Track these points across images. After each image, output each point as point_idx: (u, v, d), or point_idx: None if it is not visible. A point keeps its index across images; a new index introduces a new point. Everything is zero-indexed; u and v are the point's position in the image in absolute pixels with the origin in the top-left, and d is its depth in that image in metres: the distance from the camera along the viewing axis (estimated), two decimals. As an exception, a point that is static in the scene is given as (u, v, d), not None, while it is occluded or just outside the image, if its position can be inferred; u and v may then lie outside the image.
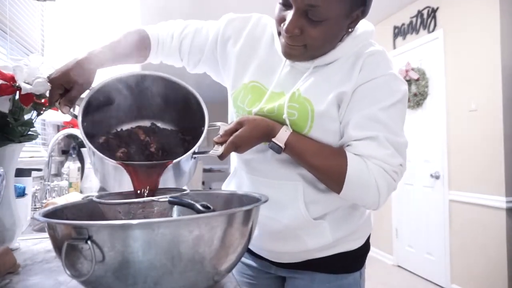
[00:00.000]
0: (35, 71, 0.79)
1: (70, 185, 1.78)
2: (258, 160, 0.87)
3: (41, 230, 1.26)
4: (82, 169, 1.93)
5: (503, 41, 2.66)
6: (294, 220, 0.84)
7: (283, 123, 0.81)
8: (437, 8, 3.25)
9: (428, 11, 3.33)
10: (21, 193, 0.98)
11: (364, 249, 0.94)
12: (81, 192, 1.84)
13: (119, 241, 0.48)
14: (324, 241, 0.85)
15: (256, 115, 0.83)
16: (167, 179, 0.77)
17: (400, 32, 3.71)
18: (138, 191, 0.73)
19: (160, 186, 0.75)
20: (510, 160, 2.65)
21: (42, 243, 0.97)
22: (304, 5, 0.72)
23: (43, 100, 0.86)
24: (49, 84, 0.77)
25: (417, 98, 3.45)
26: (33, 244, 0.96)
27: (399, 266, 3.79)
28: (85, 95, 0.79)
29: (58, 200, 1.37)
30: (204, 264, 0.52)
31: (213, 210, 0.60)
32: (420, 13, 3.43)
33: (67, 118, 1.90)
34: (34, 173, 1.17)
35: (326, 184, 0.81)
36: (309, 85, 0.82)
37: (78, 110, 0.77)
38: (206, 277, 0.54)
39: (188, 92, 0.82)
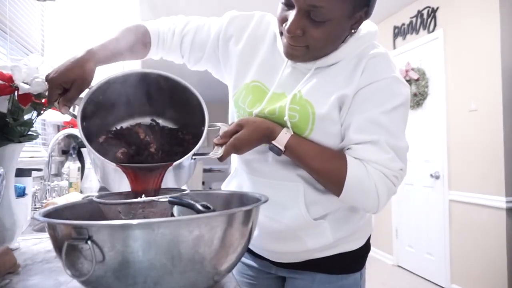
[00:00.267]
0: (34, 71, 0.79)
1: (70, 185, 1.78)
2: (259, 160, 0.87)
3: (41, 230, 1.26)
4: (82, 169, 1.93)
5: (503, 41, 2.66)
6: (294, 221, 0.83)
7: (283, 125, 0.80)
8: (437, 8, 3.25)
9: (428, 11, 3.33)
10: (21, 193, 0.98)
11: (365, 249, 0.94)
12: (81, 192, 1.84)
13: (119, 241, 0.48)
14: (325, 241, 0.85)
15: (257, 116, 0.83)
16: (166, 179, 0.77)
17: (400, 32, 3.71)
18: (138, 193, 0.73)
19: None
20: (510, 160, 2.65)
21: (42, 243, 0.97)
22: (306, 6, 0.71)
23: (43, 100, 0.87)
24: (46, 83, 0.75)
25: (417, 98, 3.45)
26: (33, 244, 0.96)
27: (399, 266, 3.79)
28: (84, 94, 0.78)
29: (58, 200, 1.37)
30: (204, 264, 0.52)
31: (213, 210, 0.59)
32: (420, 13, 3.43)
33: (67, 118, 1.90)
34: (34, 173, 1.17)
35: (325, 187, 0.81)
36: (311, 87, 0.81)
37: (77, 110, 0.76)
38: (206, 277, 0.54)
39: (188, 91, 0.81)
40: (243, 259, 1.02)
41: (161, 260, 0.49)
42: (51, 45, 2.01)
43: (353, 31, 0.80)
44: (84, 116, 0.76)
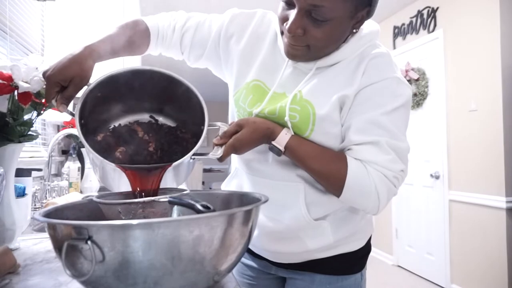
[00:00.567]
0: (33, 70, 0.79)
1: (70, 185, 1.78)
2: (259, 160, 0.86)
3: (41, 230, 1.26)
4: (82, 169, 1.93)
5: (503, 41, 2.66)
6: (295, 221, 0.83)
7: (284, 125, 0.80)
8: (437, 8, 3.25)
9: (428, 11, 3.33)
10: (21, 193, 0.98)
11: (365, 250, 0.93)
12: (81, 192, 1.84)
13: (119, 241, 0.48)
14: (325, 242, 0.85)
15: (257, 116, 0.82)
16: (165, 177, 0.77)
17: (400, 32, 3.71)
18: (137, 194, 0.73)
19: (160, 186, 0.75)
20: (510, 160, 2.65)
21: (42, 243, 0.97)
22: (307, 5, 0.71)
23: (43, 100, 0.86)
24: (43, 81, 0.74)
25: (417, 98, 3.45)
26: (33, 244, 0.96)
27: (399, 266, 3.79)
28: (82, 91, 0.76)
29: (58, 200, 1.37)
30: (204, 264, 0.52)
31: (213, 210, 0.59)
32: (420, 13, 3.43)
33: (67, 118, 1.90)
34: (34, 173, 1.17)
35: (325, 187, 0.81)
36: (312, 87, 0.80)
37: (75, 108, 0.74)
38: (206, 277, 0.54)
39: (188, 89, 0.80)
40: (243, 260, 1.02)
41: (161, 260, 0.49)
42: (51, 45, 2.01)
43: (354, 30, 0.79)
44: (82, 114, 0.74)
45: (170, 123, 0.86)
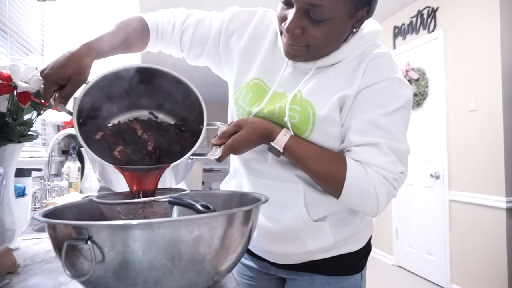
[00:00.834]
0: (32, 70, 0.79)
1: (70, 185, 1.78)
2: (258, 160, 0.86)
3: (41, 230, 1.26)
4: (82, 169, 1.93)
5: (503, 41, 2.66)
6: (294, 222, 0.82)
7: (283, 125, 0.79)
8: (437, 8, 3.25)
9: (428, 11, 3.33)
10: (21, 193, 0.98)
11: (365, 250, 0.93)
12: (81, 192, 1.84)
13: (119, 241, 0.48)
14: (325, 243, 0.84)
15: (256, 116, 0.82)
16: (163, 176, 0.76)
17: (400, 32, 3.71)
18: (136, 194, 0.73)
19: (159, 186, 0.75)
20: (510, 160, 2.65)
21: (42, 243, 0.97)
22: (305, 4, 0.70)
23: (43, 100, 0.86)
24: (41, 80, 0.73)
25: (417, 98, 3.45)
26: (33, 244, 0.96)
27: (399, 266, 3.79)
28: (80, 90, 0.75)
29: (58, 200, 1.37)
30: (204, 264, 0.52)
31: (213, 210, 0.59)
32: (420, 13, 3.43)
33: (67, 118, 1.90)
34: (34, 173, 1.17)
35: (324, 189, 0.80)
36: (311, 87, 0.80)
37: (73, 107, 0.73)
38: (206, 277, 0.54)
39: (188, 88, 0.80)
40: (243, 260, 1.01)
41: (161, 260, 0.49)
42: (51, 45, 2.01)
43: (354, 30, 0.79)
44: (80, 113, 0.73)
45: (169, 119, 0.85)
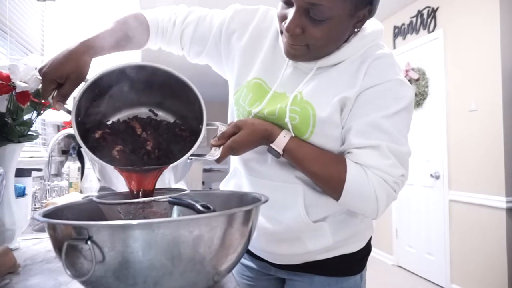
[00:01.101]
0: (32, 70, 0.79)
1: (70, 185, 1.78)
2: (258, 161, 0.86)
3: (41, 230, 1.26)
4: (82, 169, 1.93)
5: (503, 41, 2.66)
6: (294, 223, 0.82)
7: (283, 127, 0.79)
8: (437, 8, 3.25)
9: (428, 11, 3.33)
10: (21, 193, 0.98)
11: (365, 251, 0.92)
12: (81, 192, 1.84)
13: (119, 241, 0.48)
14: (325, 243, 0.84)
15: (256, 116, 0.82)
16: (162, 175, 0.76)
17: (400, 32, 3.71)
18: (135, 193, 0.73)
19: (158, 186, 0.75)
20: (510, 160, 2.65)
21: (42, 243, 0.97)
22: (305, 3, 0.69)
23: (42, 100, 0.86)
24: (40, 78, 0.73)
25: (417, 98, 3.45)
26: (33, 244, 0.96)
27: (399, 266, 3.79)
28: (79, 88, 0.74)
29: (58, 200, 1.37)
30: (204, 264, 0.52)
31: (213, 210, 0.59)
32: (420, 13, 3.43)
33: (67, 118, 1.90)
34: (34, 173, 1.17)
35: (324, 190, 0.80)
36: (312, 88, 0.79)
37: (72, 106, 0.72)
38: (206, 277, 0.54)
39: (187, 86, 0.79)
40: (243, 260, 1.01)
41: (161, 260, 0.49)
42: (51, 45, 2.01)
43: (356, 30, 0.78)
44: (79, 112, 0.73)
45: (169, 117, 0.85)
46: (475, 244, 2.88)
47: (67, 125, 1.90)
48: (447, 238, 3.15)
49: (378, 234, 4.01)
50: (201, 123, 0.77)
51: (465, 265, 2.97)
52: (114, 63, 0.77)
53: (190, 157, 0.75)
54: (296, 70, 0.82)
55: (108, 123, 0.81)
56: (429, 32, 3.34)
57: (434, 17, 3.28)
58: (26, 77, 0.79)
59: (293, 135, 0.78)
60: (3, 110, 0.81)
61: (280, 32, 0.80)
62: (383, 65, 0.78)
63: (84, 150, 0.71)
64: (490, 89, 2.74)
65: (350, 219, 0.87)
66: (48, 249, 0.90)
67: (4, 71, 0.79)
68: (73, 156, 1.87)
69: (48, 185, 1.55)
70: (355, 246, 0.89)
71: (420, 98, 3.43)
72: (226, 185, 0.98)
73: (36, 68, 0.79)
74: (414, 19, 3.51)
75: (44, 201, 1.50)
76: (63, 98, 0.72)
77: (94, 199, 0.70)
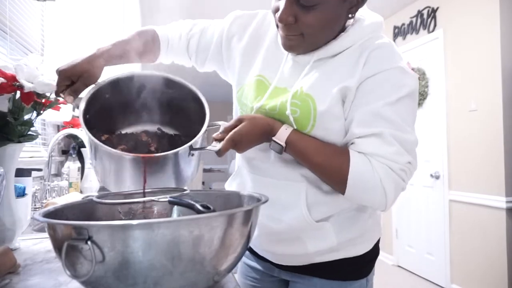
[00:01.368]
0: (34, 70, 0.80)
1: (70, 185, 1.78)
2: (261, 159, 0.86)
3: (41, 230, 1.26)
4: (82, 169, 1.93)
5: (503, 41, 2.66)
6: (295, 222, 0.81)
7: (284, 121, 0.79)
8: (437, 8, 3.25)
9: (428, 11, 3.33)
10: (21, 193, 0.98)
11: (372, 254, 0.89)
12: (81, 192, 1.84)
13: (119, 242, 0.48)
14: (328, 244, 0.82)
15: (258, 112, 0.82)
16: (168, 178, 0.77)
17: (400, 32, 3.71)
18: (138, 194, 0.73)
19: (161, 186, 0.75)
20: (510, 160, 2.65)
21: (42, 243, 0.97)
22: None
23: (43, 100, 0.87)
24: (53, 83, 0.79)
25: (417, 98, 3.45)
26: (33, 244, 0.96)
27: (399, 266, 3.79)
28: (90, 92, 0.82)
29: (58, 200, 1.37)
30: (204, 264, 0.52)
31: (213, 211, 0.60)
32: (420, 13, 3.43)
33: (67, 118, 1.90)
34: (34, 173, 1.17)
35: (329, 184, 0.79)
36: (312, 80, 0.79)
37: (81, 101, 0.80)
38: (206, 277, 0.54)
39: (192, 93, 0.82)
40: (247, 261, 1.01)
41: (161, 261, 0.49)
42: (51, 45, 2.01)
43: (350, 16, 0.77)
44: (88, 110, 0.78)
45: (175, 131, 0.89)
46: (475, 244, 2.88)
47: (67, 125, 1.90)
48: (447, 238, 3.15)
49: (378, 234, 4.00)
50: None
51: (465, 265, 2.98)
52: (124, 71, 0.84)
53: (191, 152, 0.76)
54: (295, 63, 0.83)
55: (117, 133, 0.84)
56: (429, 32, 3.34)
57: (434, 17, 3.28)
58: (30, 77, 0.79)
59: (295, 128, 0.78)
60: (5, 109, 0.81)
61: (276, 26, 0.81)
62: (383, 54, 0.77)
63: (89, 136, 0.73)
64: (490, 89, 2.74)
65: (355, 219, 0.85)
66: (48, 249, 0.90)
67: (7, 71, 0.79)
68: (73, 156, 1.87)
69: (48, 185, 1.55)
70: (360, 249, 0.87)
71: (420, 98, 3.43)
72: (230, 185, 0.98)
73: (37, 68, 0.80)
74: (414, 19, 3.51)
75: (44, 201, 1.50)
76: (74, 93, 0.79)
77: (94, 199, 0.70)
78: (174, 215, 0.76)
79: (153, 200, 0.69)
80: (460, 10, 3.01)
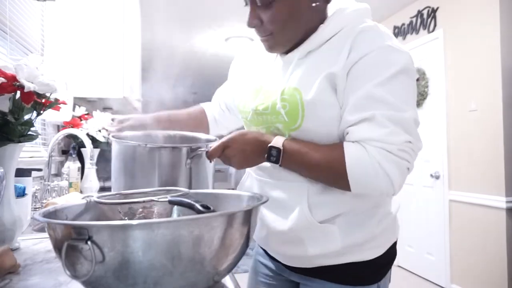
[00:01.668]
0: (34, 70, 0.79)
1: (70, 185, 1.78)
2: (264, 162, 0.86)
3: (41, 230, 1.26)
4: (82, 169, 1.93)
5: (503, 41, 2.66)
6: (298, 223, 0.80)
7: (278, 121, 0.81)
8: (437, 8, 3.25)
9: (428, 11, 3.33)
10: (21, 193, 0.98)
11: (386, 259, 0.86)
12: (81, 192, 1.84)
13: (119, 242, 0.48)
14: (332, 247, 0.80)
15: (253, 113, 0.86)
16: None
17: (400, 32, 3.71)
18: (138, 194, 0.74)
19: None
20: (510, 160, 2.65)
21: (42, 243, 0.97)
22: None
23: (43, 100, 0.87)
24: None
25: (417, 98, 3.45)
26: (33, 244, 0.96)
27: (399, 266, 3.79)
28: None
29: (58, 200, 1.37)
30: (204, 265, 0.52)
31: (213, 211, 0.60)
32: (420, 13, 3.43)
33: (67, 118, 1.90)
34: (34, 173, 1.17)
35: (332, 184, 0.77)
36: (299, 74, 0.79)
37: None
38: (206, 277, 0.54)
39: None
40: (260, 258, 1.01)
41: (161, 261, 0.49)
42: (51, 45, 2.01)
43: (314, 4, 0.77)
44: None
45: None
46: (475, 244, 2.88)
47: (67, 125, 1.90)
48: (447, 238, 3.15)
49: (378, 234, 4.00)
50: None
51: (465, 265, 2.97)
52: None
53: (189, 160, 0.79)
54: (285, 63, 0.84)
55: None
56: (429, 32, 3.34)
57: (434, 17, 3.28)
58: (30, 77, 0.79)
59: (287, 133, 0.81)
60: (6, 109, 0.81)
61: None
62: (368, 36, 0.75)
63: (126, 143, 0.87)
64: (490, 89, 2.74)
65: (364, 222, 0.82)
66: (48, 249, 0.90)
67: (7, 71, 0.79)
68: (73, 156, 1.87)
69: (48, 185, 1.55)
70: (371, 253, 0.83)
71: (420, 98, 3.43)
72: (242, 187, 0.99)
73: (37, 68, 0.80)
74: (414, 19, 3.51)
75: (44, 201, 1.50)
76: (119, 124, 1.03)
77: (94, 199, 0.70)
78: (174, 215, 0.76)
79: (153, 200, 0.69)
80: (460, 10, 3.01)
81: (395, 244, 0.89)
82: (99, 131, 2.07)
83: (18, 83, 0.78)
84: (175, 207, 0.76)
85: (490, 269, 2.73)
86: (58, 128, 2.11)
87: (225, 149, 0.82)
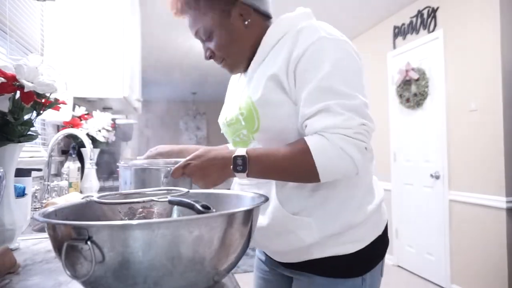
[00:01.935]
0: (34, 70, 0.79)
1: (70, 185, 1.78)
2: None
3: (41, 230, 1.26)
4: (82, 169, 1.93)
5: (503, 41, 2.66)
6: (274, 217, 0.84)
7: (241, 128, 0.88)
8: (437, 8, 3.25)
9: (428, 11, 3.33)
10: (21, 193, 0.98)
11: (371, 253, 0.88)
12: (81, 192, 1.84)
13: (119, 242, 0.48)
14: (310, 240, 0.82)
15: (224, 125, 0.95)
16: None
17: (400, 32, 3.71)
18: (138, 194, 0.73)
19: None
20: (510, 160, 2.65)
21: (42, 243, 0.97)
22: (195, 35, 0.90)
23: (43, 100, 0.87)
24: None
25: (417, 98, 3.45)
26: (33, 244, 0.96)
27: (399, 266, 3.79)
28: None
29: (58, 200, 1.37)
30: (204, 265, 0.52)
31: (213, 211, 0.60)
32: (420, 13, 3.43)
33: (67, 118, 1.90)
34: (34, 173, 1.17)
35: (302, 179, 0.79)
36: (251, 84, 0.87)
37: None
38: (206, 277, 0.54)
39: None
40: (258, 254, 1.07)
41: (161, 261, 0.49)
42: (50, 45, 2.01)
43: (246, 22, 0.87)
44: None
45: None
46: (475, 244, 2.88)
47: (67, 125, 1.90)
48: (447, 238, 3.15)
49: (378, 234, 4.00)
50: None
51: (465, 265, 2.97)
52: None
53: (164, 178, 0.86)
54: (247, 79, 0.91)
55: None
56: (429, 32, 3.34)
57: (434, 17, 3.28)
58: (30, 77, 0.79)
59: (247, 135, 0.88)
60: (5, 109, 0.81)
61: None
62: (305, 33, 0.81)
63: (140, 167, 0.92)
64: (490, 89, 2.74)
65: (340, 213, 0.84)
66: (48, 249, 0.90)
67: (7, 71, 0.79)
68: (73, 156, 1.87)
69: (48, 185, 1.55)
70: (352, 247, 0.85)
71: (420, 98, 3.43)
72: (232, 188, 1.04)
73: (37, 68, 0.80)
74: (414, 19, 3.51)
75: (44, 201, 1.50)
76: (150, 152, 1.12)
77: (94, 199, 0.70)
78: (174, 215, 0.76)
79: (153, 200, 0.69)
80: (460, 10, 3.01)
81: (382, 238, 0.90)
82: (99, 131, 2.07)
83: (18, 83, 0.78)
84: (175, 207, 0.76)
85: (490, 269, 2.73)
86: (58, 128, 2.11)
87: (185, 167, 0.82)
